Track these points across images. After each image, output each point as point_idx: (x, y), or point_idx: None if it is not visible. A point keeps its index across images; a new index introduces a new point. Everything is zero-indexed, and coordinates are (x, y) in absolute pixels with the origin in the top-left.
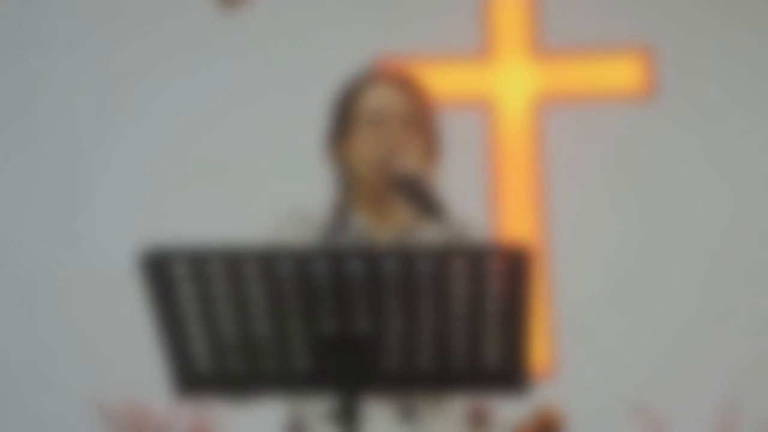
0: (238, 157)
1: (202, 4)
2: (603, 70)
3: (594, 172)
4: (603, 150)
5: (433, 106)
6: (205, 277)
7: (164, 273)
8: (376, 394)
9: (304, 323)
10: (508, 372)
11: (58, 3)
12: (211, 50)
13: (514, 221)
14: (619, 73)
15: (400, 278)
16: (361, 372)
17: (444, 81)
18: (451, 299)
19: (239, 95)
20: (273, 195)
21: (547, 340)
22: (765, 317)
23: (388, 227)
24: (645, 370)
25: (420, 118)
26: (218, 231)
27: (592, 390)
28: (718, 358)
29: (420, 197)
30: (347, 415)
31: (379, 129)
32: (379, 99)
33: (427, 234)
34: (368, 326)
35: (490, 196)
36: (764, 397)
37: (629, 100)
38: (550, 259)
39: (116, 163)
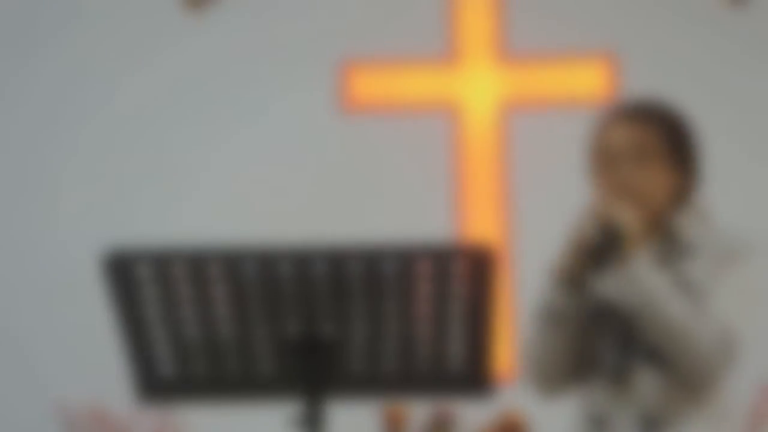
0: (198, 158)
1: (167, 5)
2: (568, 75)
3: (559, 177)
4: (568, 155)
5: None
6: (169, 278)
7: (127, 275)
8: (341, 397)
9: (268, 325)
10: (471, 375)
11: None
12: (175, 50)
13: (479, 226)
14: (584, 79)
15: (364, 279)
16: (325, 375)
17: (410, 85)
18: (415, 301)
19: (206, 94)
20: (244, 196)
21: (512, 343)
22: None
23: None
24: None
25: None
26: (178, 233)
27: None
28: None
29: None
30: (311, 418)
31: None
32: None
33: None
34: (332, 328)
35: (455, 200)
36: None
37: (594, 105)
38: (514, 264)
39: (75, 163)
